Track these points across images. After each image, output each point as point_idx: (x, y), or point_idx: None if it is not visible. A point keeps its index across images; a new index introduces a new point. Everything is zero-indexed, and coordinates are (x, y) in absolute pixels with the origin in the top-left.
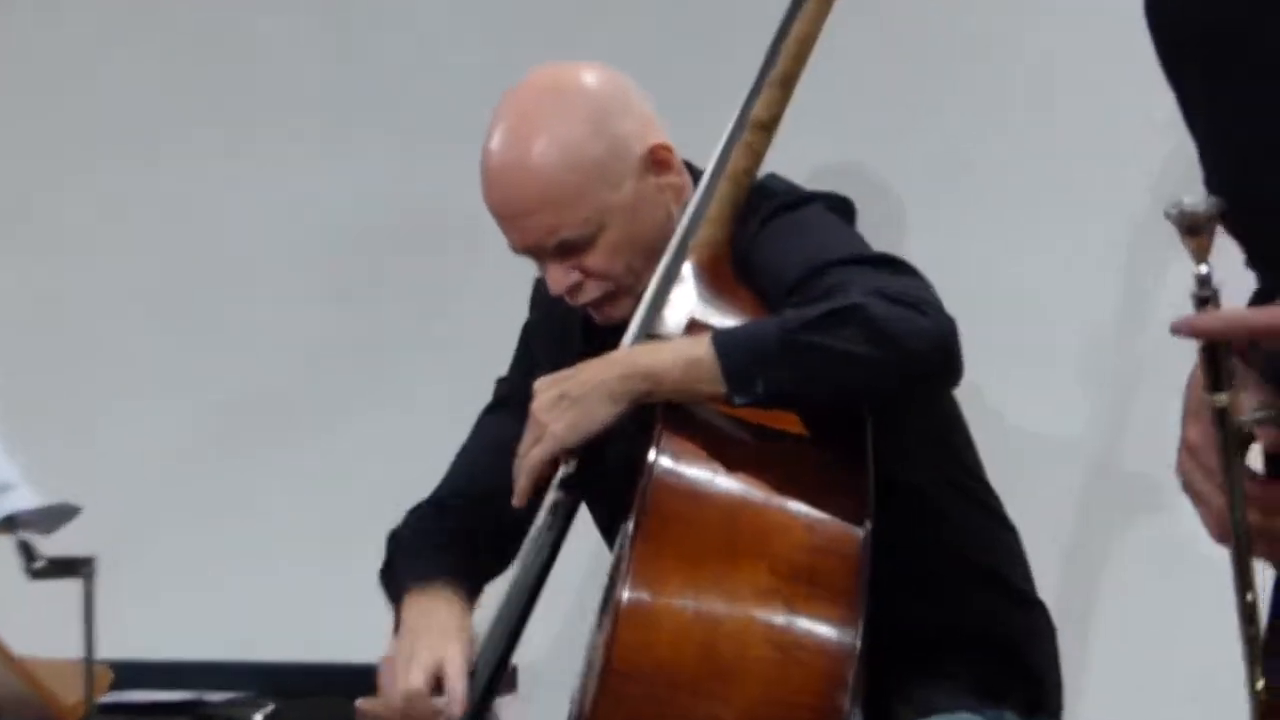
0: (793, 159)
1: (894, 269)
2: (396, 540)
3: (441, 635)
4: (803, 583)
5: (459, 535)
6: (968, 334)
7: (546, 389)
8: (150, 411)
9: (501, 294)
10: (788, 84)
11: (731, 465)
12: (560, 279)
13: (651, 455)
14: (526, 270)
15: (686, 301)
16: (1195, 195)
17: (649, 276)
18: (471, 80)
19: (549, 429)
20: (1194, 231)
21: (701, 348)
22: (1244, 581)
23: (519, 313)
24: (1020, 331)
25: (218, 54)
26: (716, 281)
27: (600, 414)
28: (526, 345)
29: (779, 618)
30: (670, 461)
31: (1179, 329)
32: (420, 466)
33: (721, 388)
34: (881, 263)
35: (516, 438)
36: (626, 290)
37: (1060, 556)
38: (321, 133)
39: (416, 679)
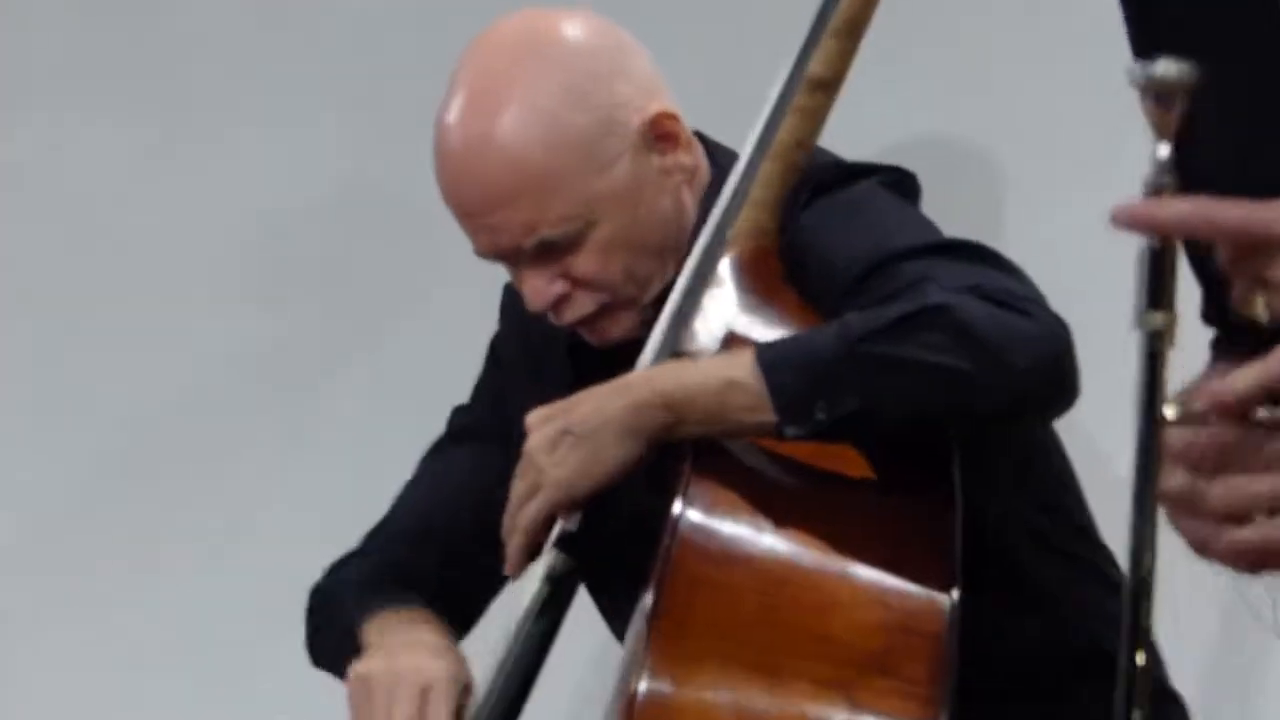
0: (853, 130)
1: (984, 260)
2: (324, 594)
3: (430, 652)
4: (872, 671)
5: (414, 583)
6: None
7: (542, 424)
8: (33, 441)
9: (472, 298)
10: (854, 32)
11: (779, 519)
12: (541, 291)
13: (676, 508)
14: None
15: (724, 308)
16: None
17: (656, 284)
18: (435, 35)
19: (549, 475)
20: (1163, 102)
21: (741, 366)
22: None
23: (493, 319)
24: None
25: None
26: (762, 282)
27: (613, 455)
28: (496, 365)
29: (840, 717)
30: (700, 515)
31: (1121, 218)
32: (376, 509)
33: (769, 416)
34: (966, 252)
35: (483, 481)
36: (627, 302)
37: (1203, 634)
38: (254, 102)
39: (405, 710)
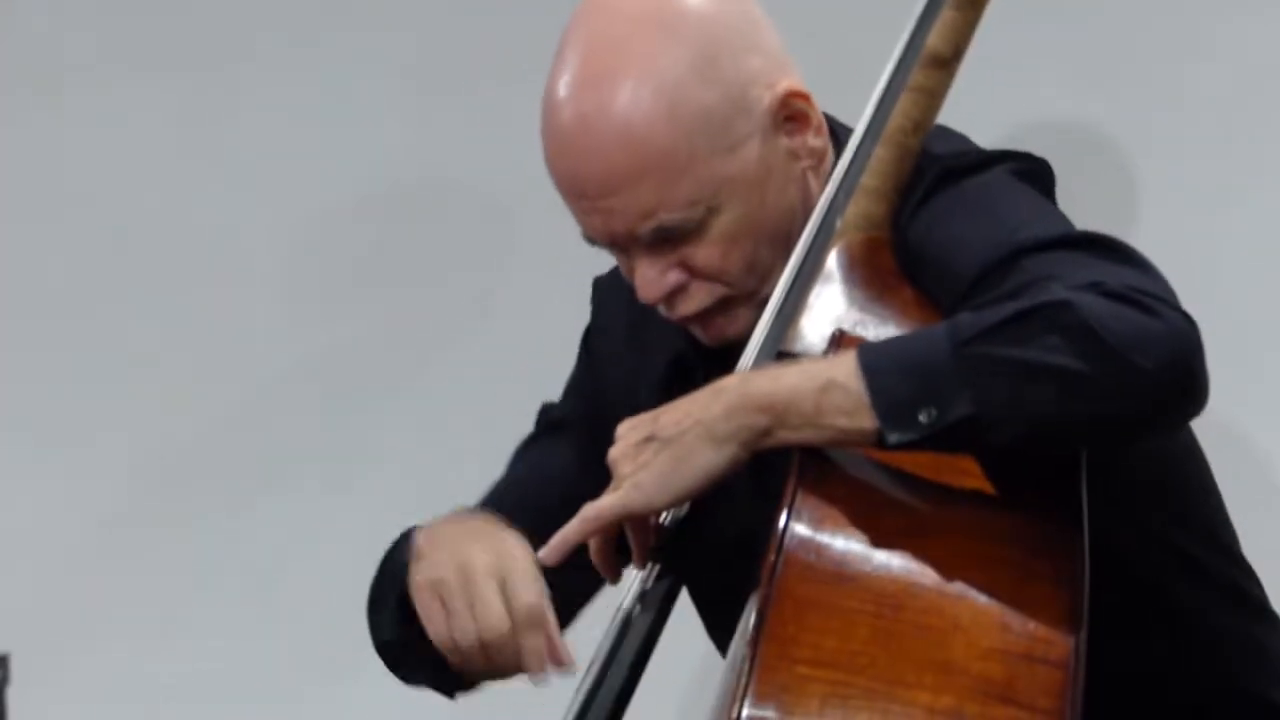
0: (973, 113)
1: (1113, 255)
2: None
3: (494, 536)
4: (994, 700)
5: None
6: (1218, 350)
7: (630, 430)
8: (63, 467)
9: (544, 296)
10: (976, 2)
11: (892, 536)
12: (655, 281)
13: (781, 521)
14: (579, 260)
15: (832, 305)
16: None
17: (778, 276)
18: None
19: (631, 480)
20: None
21: (842, 368)
22: None
23: (568, 319)
24: None
25: None
26: (874, 277)
27: (700, 463)
28: (589, 358)
29: None
30: (808, 530)
31: None
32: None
33: (870, 423)
34: (1096, 246)
35: (574, 475)
36: (747, 296)
37: None
38: (306, 94)
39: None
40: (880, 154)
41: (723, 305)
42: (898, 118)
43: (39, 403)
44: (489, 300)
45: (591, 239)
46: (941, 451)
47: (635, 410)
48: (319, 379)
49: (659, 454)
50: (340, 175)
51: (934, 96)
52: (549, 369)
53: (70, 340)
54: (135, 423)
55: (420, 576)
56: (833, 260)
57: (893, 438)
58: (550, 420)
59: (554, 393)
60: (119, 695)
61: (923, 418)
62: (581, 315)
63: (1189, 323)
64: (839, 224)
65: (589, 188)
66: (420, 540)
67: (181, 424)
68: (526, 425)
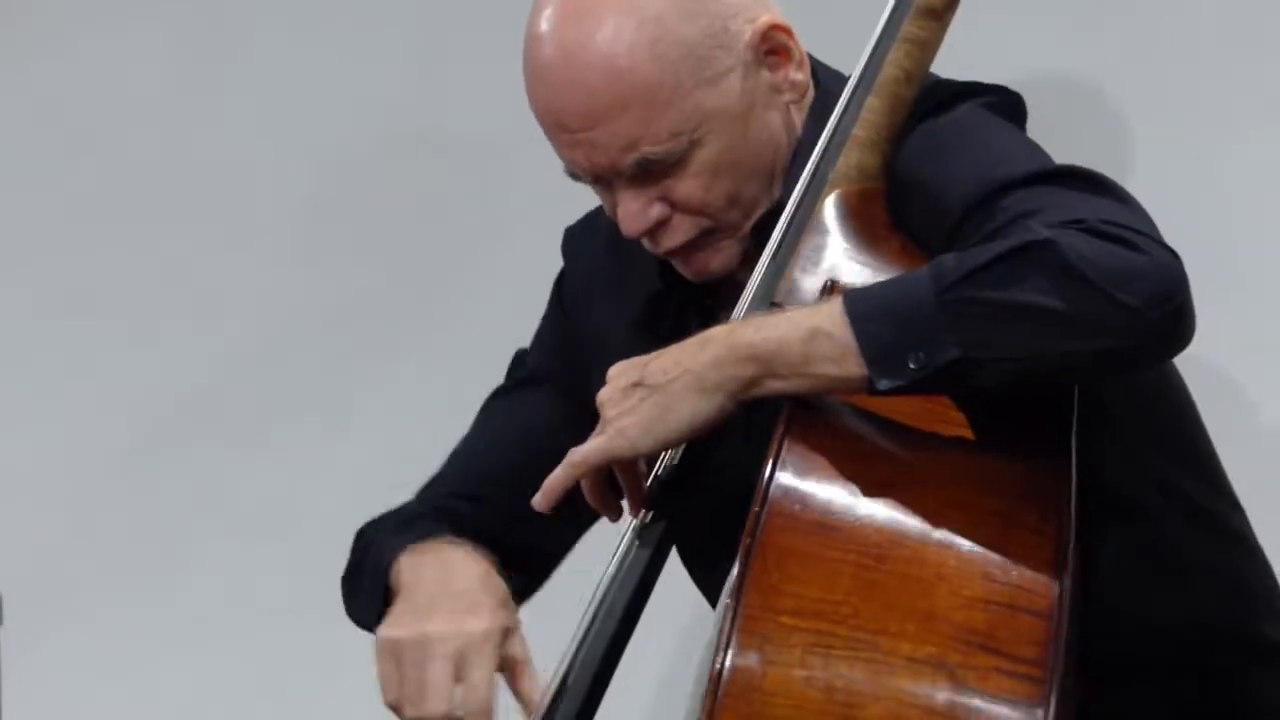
0: (965, 64)
1: (1094, 188)
2: (362, 539)
3: (465, 604)
4: (976, 649)
5: (477, 539)
6: (1215, 300)
7: (620, 374)
8: (54, 422)
9: (549, 244)
10: None
11: (877, 486)
12: (638, 214)
13: (766, 471)
14: (585, 207)
15: (825, 256)
16: None
17: (760, 210)
18: None
19: (614, 424)
20: None
21: (829, 316)
22: None
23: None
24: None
25: None
26: (867, 227)
27: (686, 411)
28: (560, 307)
29: (942, 696)
30: (793, 480)
31: None
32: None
33: (858, 369)
34: (1075, 180)
35: (546, 429)
36: (729, 229)
37: None
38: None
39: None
40: (873, 104)
41: (705, 237)
42: (890, 68)
43: (37, 344)
44: (494, 246)
45: (574, 174)
46: (930, 395)
47: (609, 354)
48: (320, 323)
49: (645, 400)
50: (344, 116)
51: (927, 47)
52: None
53: (69, 283)
54: (135, 364)
55: (386, 630)
56: (826, 211)
57: (882, 384)
58: (523, 374)
59: None
60: (116, 639)
61: (911, 363)
62: None
63: (1173, 256)
64: (831, 175)
65: (571, 120)
66: (404, 570)
67: (181, 366)
68: None
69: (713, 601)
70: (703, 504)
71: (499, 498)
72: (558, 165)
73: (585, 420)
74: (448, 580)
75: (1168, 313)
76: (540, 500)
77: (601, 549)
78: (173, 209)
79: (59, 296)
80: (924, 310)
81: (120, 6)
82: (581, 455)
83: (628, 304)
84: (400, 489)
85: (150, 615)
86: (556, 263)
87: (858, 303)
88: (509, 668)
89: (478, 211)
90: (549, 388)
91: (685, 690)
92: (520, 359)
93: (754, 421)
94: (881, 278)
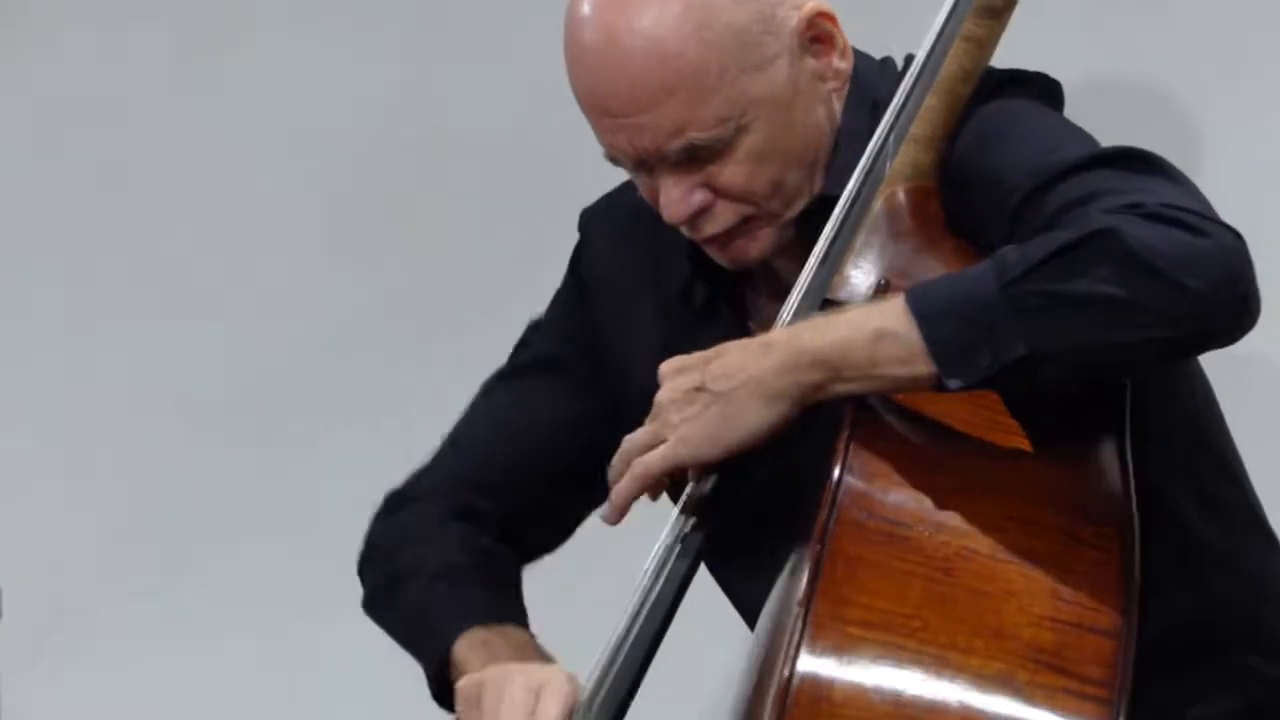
0: (1023, 62)
1: (1148, 169)
2: (392, 566)
3: (541, 661)
4: (1044, 668)
5: (480, 527)
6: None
7: (676, 374)
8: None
9: (539, 249)
10: None
11: (945, 496)
12: (681, 200)
13: (835, 475)
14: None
15: (879, 254)
16: None
17: (802, 199)
18: None
19: (678, 430)
20: None
21: (893, 316)
22: None
23: None
24: None
25: None
26: (921, 226)
27: (751, 420)
28: (579, 289)
29: (1010, 714)
30: (861, 486)
31: None
32: None
33: (927, 369)
34: (1128, 161)
35: (557, 420)
36: (770, 217)
37: None
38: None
39: (517, 703)
40: (931, 103)
41: (745, 225)
42: (949, 65)
43: (37, 343)
44: (534, 244)
45: (614, 158)
46: (998, 390)
47: (640, 342)
48: (322, 323)
49: (709, 407)
50: (344, 114)
51: (984, 45)
52: None
53: (69, 283)
54: (135, 363)
55: (470, 677)
56: (880, 209)
57: (952, 383)
58: (529, 358)
59: None
60: (116, 637)
61: (981, 360)
62: None
63: (1236, 237)
64: (887, 171)
65: (615, 104)
66: (472, 658)
67: (181, 365)
68: None
69: (742, 609)
70: (742, 510)
71: (501, 493)
72: (564, 164)
73: (592, 412)
74: (523, 659)
75: (1235, 296)
76: (612, 515)
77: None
78: (174, 208)
79: (59, 296)
80: (989, 306)
81: (120, 6)
82: (645, 467)
83: (657, 288)
84: None
85: (149, 612)
86: (563, 261)
87: (921, 301)
88: None
89: (479, 211)
90: (558, 378)
91: (709, 701)
92: (526, 340)
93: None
94: (936, 277)
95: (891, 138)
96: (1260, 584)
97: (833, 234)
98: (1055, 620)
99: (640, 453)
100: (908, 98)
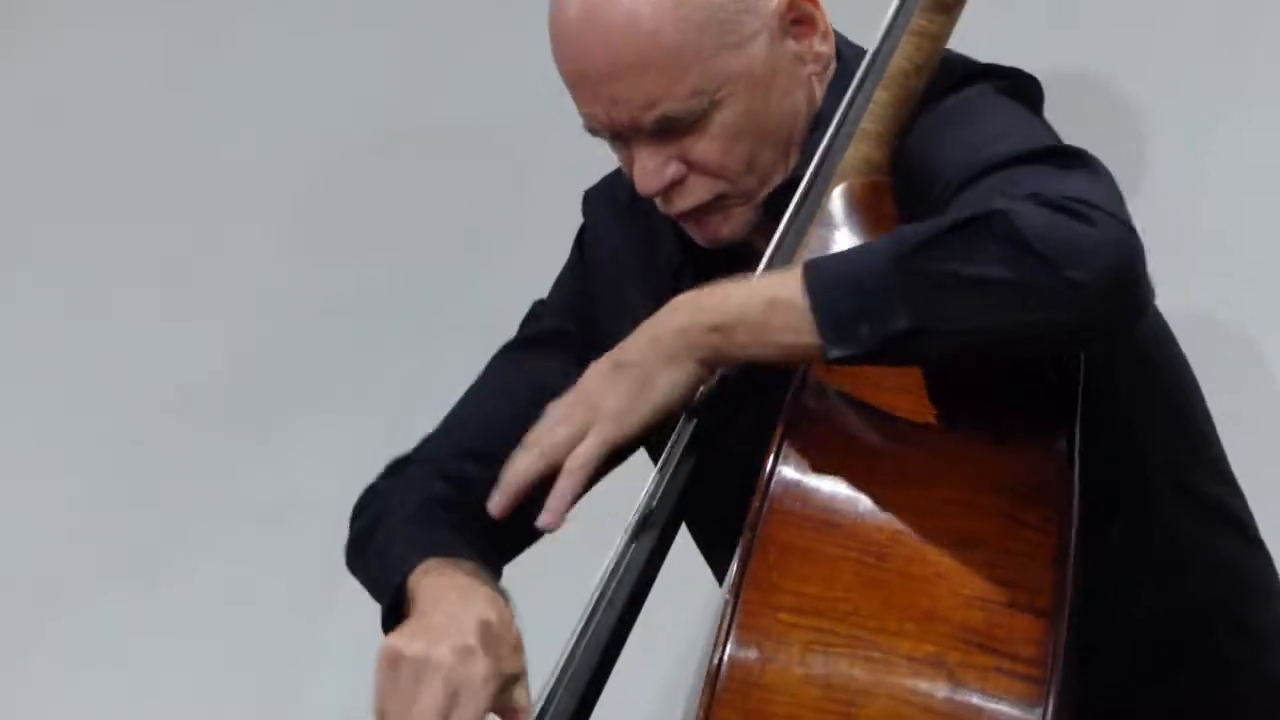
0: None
1: (1074, 164)
2: (376, 511)
3: (478, 638)
4: (975, 649)
5: (480, 501)
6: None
7: (601, 359)
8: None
9: (564, 228)
10: None
11: (882, 484)
12: (655, 172)
13: (768, 466)
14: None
15: (831, 249)
16: None
17: (776, 179)
18: None
19: (601, 409)
20: None
21: (787, 285)
22: None
23: None
24: None
25: None
26: (876, 223)
27: (662, 382)
28: (583, 265)
29: (941, 695)
30: (794, 475)
31: None
32: None
33: (813, 338)
34: (1056, 157)
35: (558, 390)
36: (743, 195)
37: None
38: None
39: (428, 706)
40: (881, 97)
41: (719, 202)
42: (899, 60)
43: (37, 343)
44: (512, 228)
45: (593, 129)
46: (884, 365)
47: (623, 320)
48: (319, 319)
49: (624, 380)
50: (344, 113)
51: (936, 40)
52: None
53: (68, 283)
54: (134, 361)
55: (395, 640)
56: (834, 203)
57: (833, 353)
58: (534, 332)
59: None
60: (115, 635)
61: (862, 331)
62: None
63: (1128, 232)
64: (839, 167)
65: (593, 74)
66: (423, 589)
67: (179, 362)
68: None
69: (722, 581)
70: (718, 483)
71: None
72: (561, 161)
73: None
74: (466, 612)
75: (1114, 287)
76: (551, 520)
77: (601, 541)
78: (173, 206)
79: (58, 296)
80: (878, 279)
81: (119, 5)
82: (581, 461)
83: (649, 270)
84: None
85: (147, 608)
86: (560, 257)
87: (815, 272)
88: (508, 715)
89: (479, 208)
90: (561, 352)
91: (686, 684)
92: (535, 313)
93: (769, 402)
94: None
95: (841, 132)
96: (1240, 577)
97: (783, 230)
98: (987, 601)
99: (569, 448)
100: (858, 90)
